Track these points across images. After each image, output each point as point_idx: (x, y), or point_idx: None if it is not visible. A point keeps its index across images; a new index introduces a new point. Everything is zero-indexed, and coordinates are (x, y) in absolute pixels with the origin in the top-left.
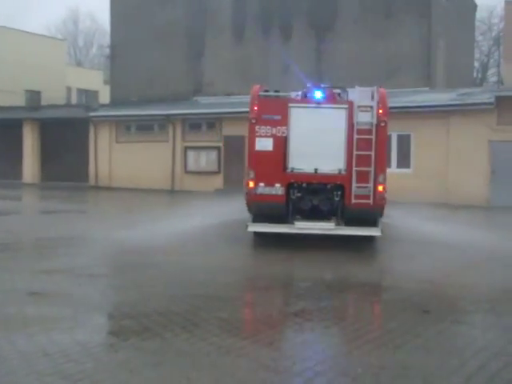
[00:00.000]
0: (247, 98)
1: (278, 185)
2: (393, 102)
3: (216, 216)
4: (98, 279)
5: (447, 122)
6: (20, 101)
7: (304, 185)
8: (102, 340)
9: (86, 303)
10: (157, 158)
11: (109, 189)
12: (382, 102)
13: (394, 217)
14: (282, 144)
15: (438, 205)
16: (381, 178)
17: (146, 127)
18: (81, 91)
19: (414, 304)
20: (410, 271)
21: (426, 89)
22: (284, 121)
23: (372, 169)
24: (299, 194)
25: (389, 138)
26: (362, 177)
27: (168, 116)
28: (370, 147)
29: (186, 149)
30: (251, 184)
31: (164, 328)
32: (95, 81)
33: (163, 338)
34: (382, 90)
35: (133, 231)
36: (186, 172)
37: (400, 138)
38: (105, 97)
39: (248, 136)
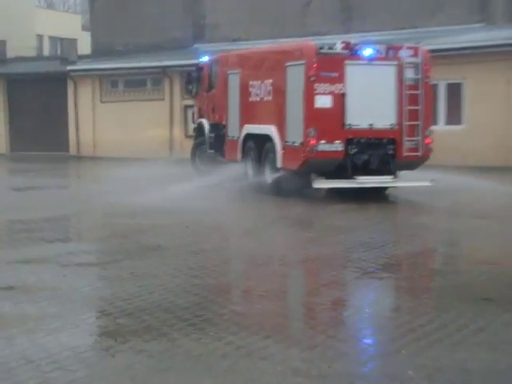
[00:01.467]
0: (258, 44)
1: (338, 141)
2: (439, 44)
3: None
4: (88, 269)
5: (508, 67)
6: None
7: (362, 140)
8: (95, 343)
9: (73, 298)
10: (151, 120)
11: (93, 159)
12: (426, 59)
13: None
14: (340, 101)
15: (498, 169)
16: (427, 132)
17: (136, 83)
18: (55, 40)
19: (472, 291)
20: (465, 251)
21: (482, 25)
22: (341, 78)
23: (420, 123)
24: (356, 150)
25: (435, 87)
26: (412, 130)
27: (164, 68)
28: (417, 102)
29: (185, 108)
30: (312, 141)
31: (170, 326)
32: (72, 27)
33: (169, 338)
34: (424, 48)
35: (125, 209)
36: (187, 136)
37: (450, 87)
38: (85, 46)
39: (304, 93)
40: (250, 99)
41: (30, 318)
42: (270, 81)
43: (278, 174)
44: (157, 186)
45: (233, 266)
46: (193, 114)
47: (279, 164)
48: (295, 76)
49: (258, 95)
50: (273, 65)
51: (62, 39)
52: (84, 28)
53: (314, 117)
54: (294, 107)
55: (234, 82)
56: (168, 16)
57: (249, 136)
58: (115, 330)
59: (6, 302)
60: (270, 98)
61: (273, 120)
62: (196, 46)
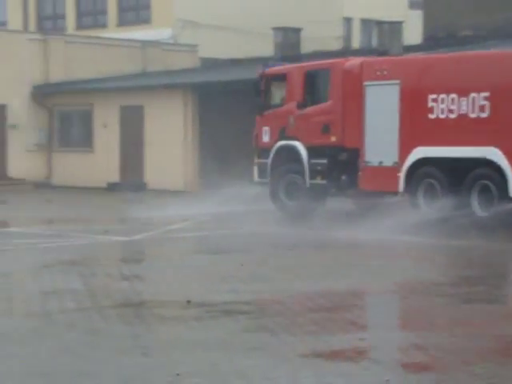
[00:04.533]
0: None
1: None
2: None
3: None
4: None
5: None
6: (266, 47)
7: None
8: None
9: None
10: None
11: None
12: None
13: None
14: None
15: None
16: None
17: None
18: (369, 24)
19: None
20: None
21: None
22: None
23: None
24: None
25: None
26: None
27: None
28: None
29: None
30: None
31: None
32: (395, 4)
33: None
34: None
35: None
36: None
37: None
38: (413, 32)
39: None
40: (431, 116)
41: None
42: (485, 94)
43: (507, 206)
44: None
45: None
46: (256, 135)
47: None
48: None
49: (451, 111)
50: (490, 74)
51: (379, 23)
52: (413, 6)
53: None
54: None
55: (385, 96)
56: None
57: (426, 161)
58: None
59: None
60: (484, 114)
61: (494, 141)
62: None
